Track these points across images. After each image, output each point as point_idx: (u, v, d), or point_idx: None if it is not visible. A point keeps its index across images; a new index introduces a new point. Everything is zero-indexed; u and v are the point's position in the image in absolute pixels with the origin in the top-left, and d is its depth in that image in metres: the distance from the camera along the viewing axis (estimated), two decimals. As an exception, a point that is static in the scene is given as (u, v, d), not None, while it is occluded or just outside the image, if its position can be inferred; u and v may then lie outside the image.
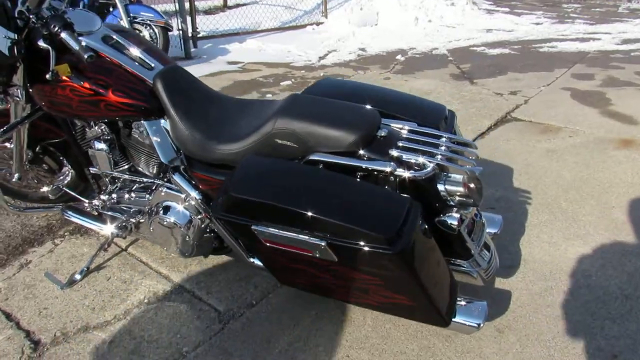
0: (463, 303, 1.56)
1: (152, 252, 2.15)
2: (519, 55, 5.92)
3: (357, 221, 1.30)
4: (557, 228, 2.37)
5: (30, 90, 1.74)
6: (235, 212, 1.42)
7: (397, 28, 7.40)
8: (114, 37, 1.77)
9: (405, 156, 1.47)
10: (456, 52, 6.07)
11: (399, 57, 5.79)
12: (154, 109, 1.73)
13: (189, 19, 5.83)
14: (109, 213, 1.98)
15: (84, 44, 1.59)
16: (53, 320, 1.80)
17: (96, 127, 1.85)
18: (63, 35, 1.56)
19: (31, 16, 1.59)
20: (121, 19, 4.84)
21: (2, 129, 1.86)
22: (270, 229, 1.38)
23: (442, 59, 5.72)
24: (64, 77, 1.65)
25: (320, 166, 1.52)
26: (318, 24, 7.50)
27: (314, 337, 1.74)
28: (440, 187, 1.48)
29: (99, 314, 1.84)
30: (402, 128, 1.61)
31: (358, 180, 1.44)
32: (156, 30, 4.99)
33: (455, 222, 1.45)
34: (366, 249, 1.29)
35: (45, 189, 2.23)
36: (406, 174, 1.44)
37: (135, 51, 1.78)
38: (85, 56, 1.54)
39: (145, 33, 5.01)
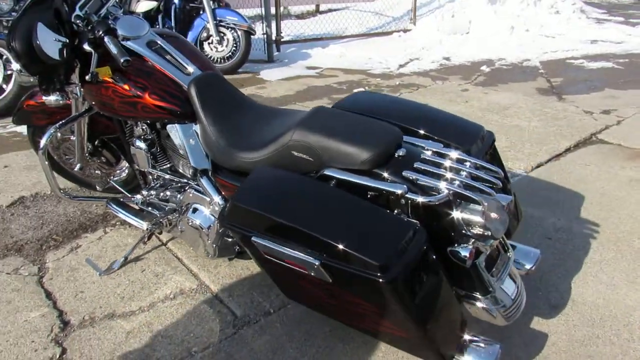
0: (474, 342, 1.43)
1: (187, 249, 2.23)
2: (622, 70, 5.38)
3: (351, 243, 1.24)
4: (622, 269, 2.10)
5: (82, 89, 1.88)
6: (237, 221, 1.42)
7: (489, 37, 7.05)
8: (159, 42, 1.85)
9: (421, 179, 1.38)
10: (550, 65, 5.65)
11: (484, 67, 5.51)
12: (188, 114, 1.79)
13: (273, 23, 5.99)
14: (148, 209, 2.07)
15: (123, 48, 1.68)
16: (85, 304, 1.92)
17: (138, 127, 1.95)
18: (105, 39, 1.66)
19: (78, 21, 1.70)
20: (208, 22, 5.12)
21: (62, 121, 2.02)
22: (267, 241, 1.36)
23: (532, 72, 5.35)
24: (107, 79, 1.76)
25: (333, 182, 1.47)
26: (405, 31, 7.36)
27: (322, 355, 1.69)
28: (457, 215, 1.37)
29: (127, 303, 1.93)
30: (425, 148, 1.52)
31: (364, 201, 1.37)
32: (239, 34, 5.18)
33: (467, 254, 1.33)
34: (358, 273, 1.23)
35: (99, 179, 2.39)
36: (419, 198, 1.35)
37: (177, 56, 1.85)
38: (122, 60, 1.62)
39: (229, 36, 5.22)
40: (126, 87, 1.76)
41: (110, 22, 1.77)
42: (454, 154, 1.48)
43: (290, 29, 6.72)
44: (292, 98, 4.46)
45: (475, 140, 1.61)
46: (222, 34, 5.24)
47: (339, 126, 1.51)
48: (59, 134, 2.26)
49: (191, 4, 5.44)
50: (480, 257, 1.42)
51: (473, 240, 1.37)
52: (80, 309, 1.90)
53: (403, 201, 1.38)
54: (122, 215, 2.08)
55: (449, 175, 1.39)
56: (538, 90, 4.63)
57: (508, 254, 1.54)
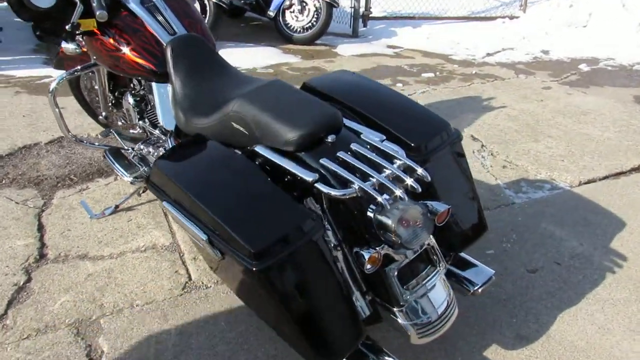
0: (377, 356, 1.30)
1: (176, 207, 2.29)
2: None
3: (235, 224, 1.18)
4: (627, 313, 1.79)
5: (83, 39, 1.98)
6: (154, 184, 1.42)
7: (608, 33, 6.22)
8: (153, 0, 1.88)
9: (337, 170, 1.27)
10: (668, 71, 4.87)
11: (582, 66, 4.90)
12: (165, 73, 1.80)
13: (363, -3, 5.83)
14: (139, 163, 2.15)
15: (109, 4, 1.72)
16: (66, 242, 2.07)
17: (131, 82, 2.02)
18: (89, -9, 1.72)
19: None
20: (291, -10, 5.12)
21: (73, 69, 2.14)
22: (172, 209, 1.34)
23: (641, 77, 4.66)
24: (97, 31, 1.83)
25: (259, 161, 1.41)
26: (512, 17, 6.76)
27: (249, 333, 1.66)
28: (369, 214, 1.25)
29: (101, 248, 2.05)
30: (363, 139, 1.38)
31: (272, 184, 1.29)
32: (321, 4, 5.11)
33: (366, 258, 1.21)
34: (235, 256, 1.17)
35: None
36: (326, 189, 1.24)
37: (167, 16, 1.86)
38: (97, 12, 1.68)
39: (311, 6, 5.18)
40: (111, 40, 1.82)
41: None
42: (388, 149, 1.33)
43: (384, 4, 6.49)
44: (353, 75, 4.34)
45: (429, 137, 1.44)
46: (304, 4, 5.21)
47: (279, 103, 1.43)
48: (80, 82, 2.41)
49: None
50: (392, 265, 1.28)
51: (383, 245, 1.24)
52: (60, 245, 2.05)
53: (315, 190, 1.28)
54: (112, 165, 2.18)
55: (366, 170, 1.26)
56: (635, 99, 4.02)
57: (438, 267, 1.37)
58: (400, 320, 1.31)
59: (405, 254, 1.28)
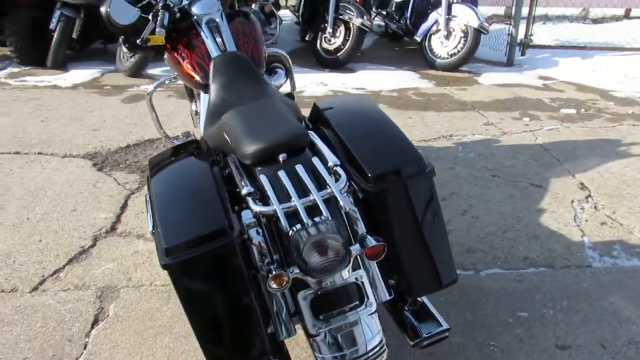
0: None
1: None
2: None
3: (162, 219, 1.29)
4: None
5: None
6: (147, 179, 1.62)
7: None
8: (217, 20, 2.11)
9: (268, 188, 1.30)
10: None
11: None
12: (208, 85, 2.02)
13: (523, 24, 5.42)
14: None
15: (165, 23, 2.01)
16: (135, 222, 2.44)
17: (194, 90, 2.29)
18: (160, 12, 2.02)
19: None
20: (440, 16, 5.05)
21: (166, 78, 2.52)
22: (146, 199, 1.52)
23: None
24: (166, 45, 2.13)
25: (228, 169, 1.50)
26: None
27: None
28: (291, 234, 1.25)
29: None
30: (313, 161, 1.37)
31: (212, 189, 1.37)
32: (469, 31, 4.91)
33: (269, 276, 1.21)
34: (158, 249, 1.29)
35: None
36: (250, 203, 1.28)
37: (224, 35, 2.08)
38: (157, 30, 1.97)
39: (458, 32, 5.02)
40: (176, 54, 2.11)
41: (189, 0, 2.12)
42: (326, 175, 1.30)
43: (558, 33, 5.93)
44: (477, 105, 4.09)
45: (389, 168, 1.35)
46: (451, 29, 5.08)
47: (255, 119, 1.51)
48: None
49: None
50: (306, 291, 1.25)
51: (293, 269, 1.23)
52: (129, 223, 2.43)
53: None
54: None
55: (291, 192, 1.26)
56: None
57: (365, 305, 1.29)
58: (313, 349, 1.28)
59: (319, 282, 1.25)
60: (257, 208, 1.27)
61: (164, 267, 1.22)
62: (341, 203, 1.24)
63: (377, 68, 5.25)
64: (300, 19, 5.89)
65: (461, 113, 3.88)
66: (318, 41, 5.29)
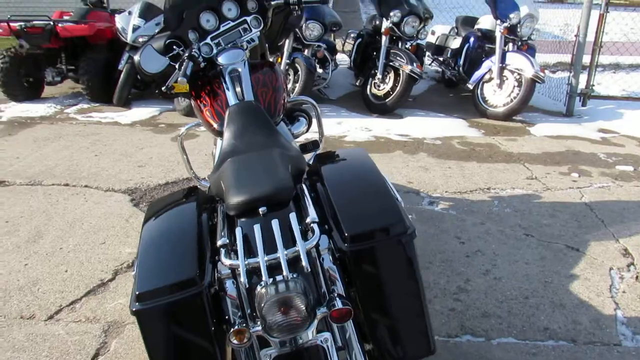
0: None
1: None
2: None
3: (141, 264, 1.34)
4: None
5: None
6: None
7: None
8: (239, 70, 2.20)
9: (239, 242, 1.30)
10: None
11: None
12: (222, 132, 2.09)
13: (585, 73, 5.19)
14: None
15: (187, 72, 2.11)
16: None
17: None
18: (185, 62, 2.14)
19: (179, 49, 2.23)
20: (494, 64, 4.96)
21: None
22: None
23: None
24: (183, 91, 2.24)
25: (219, 217, 1.53)
26: None
27: None
28: (257, 289, 1.24)
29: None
30: (299, 217, 1.37)
31: (192, 236, 1.39)
32: (523, 80, 4.77)
33: (230, 331, 1.20)
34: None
35: None
36: (222, 256, 1.29)
37: (245, 84, 2.16)
38: (179, 79, 2.08)
39: (511, 81, 4.89)
40: (197, 101, 2.21)
41: (216, 50, 2.23)
42: (297, 232, 1.29)
43: (628, 83, 5.61)
44: (524, 157, 3.91)
45: (364, 228, 1.32)
46: (504, 78, 4.96)
47: (247, 170, 1.54)
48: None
49: (488, 45, 5.36)
50: (268, 349, 1.23)
51: (254, 325, 1.22)
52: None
53: (225, 252, 1.34)
54: None
55: (259, 247, 1.26)
56: None
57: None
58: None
59: (282, 342, 1.22)
60: (226, 261, 1.28)
61: (133, 313, 1.25)
62: (303, 263, 1.22)
63: (427, 115, 5.20)
64: (352, 63, 5.99)
65: (504, 165, 3.73)
66: (368, 86, 5.34)
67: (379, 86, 5.28)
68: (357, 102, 5.48)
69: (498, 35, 4.96)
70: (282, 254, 1.23)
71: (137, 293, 1.25)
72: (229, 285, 1.32)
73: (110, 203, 3.08)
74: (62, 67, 5.46)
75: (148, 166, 3.67)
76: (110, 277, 2.37)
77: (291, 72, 5.20)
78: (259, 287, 1.24)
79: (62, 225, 2.81)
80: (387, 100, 5.14)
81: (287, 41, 5.18)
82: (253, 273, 1.27)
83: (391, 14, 5.15)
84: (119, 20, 5.20)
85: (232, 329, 1.21)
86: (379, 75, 5.21)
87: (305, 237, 1.31)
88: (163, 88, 2.17)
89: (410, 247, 1.35)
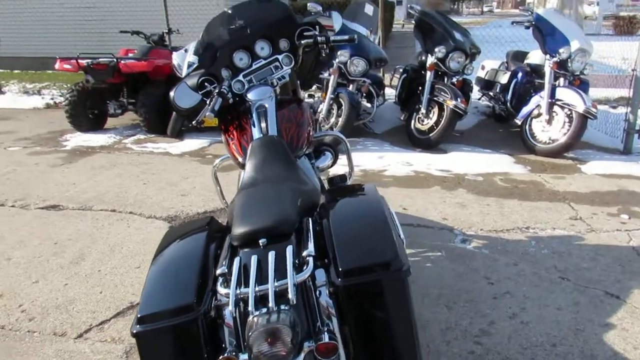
0: None
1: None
2: None
3: (146, 286, 1.41)
4: None
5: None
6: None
7: None
8: (266, 106, 2.29)
9: (234, 272, 1.35)
10: None
11: None
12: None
13: (643, 110, 4.93)
14: None
15: (215, 108, 2.22)
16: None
17: None
18: (214, 97, 2.25)
19: (212, 86, 2.35)
20: (543, 99, 4.83)
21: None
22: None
23: None
24: (212, 125, 2.35)
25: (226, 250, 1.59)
26: None
27: None
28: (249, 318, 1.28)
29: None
30: (297, 250, 1.40)
31: (194, 264, 1.45)
32: (574, 116, 4.60)
33: (219, 358, 1.24)
34: (136, 316, 1.39)
35: None
36: (218, 285, 1.34)
37: (270, 120, 2.24)
38: (207, 113, 2.19)
39: (561, 117, 4.73)
40: (225, 135, 2.31)
41: (247, 87, 2.34)
42: (290, 265, 1.32)
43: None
44: (570, 196, 3.74)
45: (355, 264, 1.32)
46: (554, 113, 4.81)
47: (254, 202, 1.60)
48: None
49: (537, 80, 5.23)
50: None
51: (241, 353, 1.25)
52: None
53: (221, 283, 1.39)
54: None
55: (251, 278, 1.29)
56: None
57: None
58: None
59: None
60: (221, 289, 1.32)
61: (133, 334, 1.31)
62: (289, 295, 1.24)
63: (472, 150, 5.10)
64: (397, 98, 6.02)
65: (547, 204, 3.59)
66: (412, 121, 5.34)
67: (422, 121, 5.26)
68: (401, 137, 5.48)
69: (547, 70, 4.84)
70: (271, 286, 1.26)
71: (138, 316, 1.31)
72: (227, 313, 1.36)
73: (150, 229, 3.23)
74: (124, 101, 5.86)
75: (190, 195, 3.83)
76: (139, 300, 2.46)
77: (335, 106, 5.30)
78: (250, 317, 1.27)
79: (103, 249, 2.97)
80: (430, 135, 5.10)
81: (332, 77, 5.31)
82: (247, 303, 1.30)
83: (436, 49, 5.17)
84: (176, 57, 5.49)
85: (221, 356, 1.25)
86: (422, 110, 5.20)
87: (301, 270, 1.33)
88: (193, 122, 2.30)
89: (403, 285, 1.34)
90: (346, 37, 2.38)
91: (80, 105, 5.77)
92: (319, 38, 2.35)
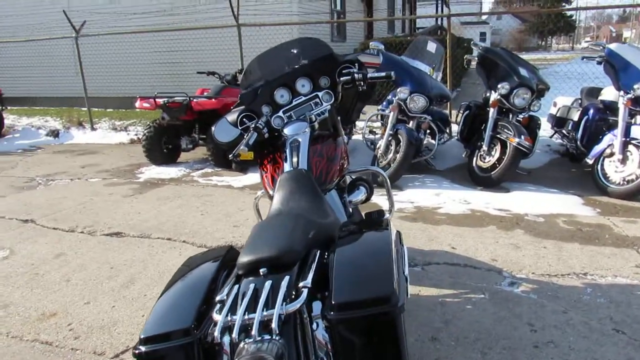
0: None
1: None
2: None
3: (154, 311, 1.48)
4: None
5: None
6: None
7: None
8: (299, 140, 2.35)
9: (229, 299, 1.38)
10: None
11: None
12: None
13: None
14: None
15: (250, 143, 2.31)
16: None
17: None
18: (250, 132, 2.35)
19: (251, 122, 2.45)
20: (616, 137, 4.54)
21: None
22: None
23: None
24: (248, 158, 2.44)
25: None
26: None
27: None
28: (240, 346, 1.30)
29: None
30: (293, 281, 1.41)
31: (199, 291, 1.50)
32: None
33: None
34: (140, 339, 1.47)
35: None
36: (214, 311, 1.38)
37: (301, 155, 2.30)
38: (241, 147, 2.29)
39: (636, 156, 4.39)
40: (260, 168, 2.40)
41: (284, 122, 2.43)
42: (284, 297, 1.33)
43: None
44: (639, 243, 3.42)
45: (352, 300, 1.30)
46: (628, 152, 4.48)
47: (266, 232, 1.64)
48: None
49: (611, 118, 4.91)
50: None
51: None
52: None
53: (220, 310, 1.43)
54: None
55: (242, 307, 1.32)
56: None
57: None
58: None
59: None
60: (215, 316, 1.36)
61: (134, 355, 1.39)
62: (272, 325, 1.25)
63: (538, 189, 4.85)
64: (459, 135, 5.89)
65: (612, 249, 3.30)
66: (474, 158, 5.20)
67: (484, 158, 5.10)
68: (463, 174, 5.33)
69: (621, 107, 4.54)
70: (258, 315, 1.29)
71: (141, 337, 1.38)
72: (224, 339, 1.39)
73: (199, 258, 3.37)
74: (195, 136, 6.24)
75: (242, 227, 3.96)
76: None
77: (394, 142, 5.29)
78: (240, 344, 1.30)
79: (153, 275, 3.14)
80: (492, 173, 4.92)
81: (392, 113, 5.33)
82: (242, 330, 1.33)
83: (499, 86, 5.04)
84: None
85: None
86: (484, 147, 5.05)
87: (293, 301, 1.35)
88: (230, 156, 2.42)
89: (395, 322, 1.31)
90: (383, 74, 2.41)
91: (156, 140, 6.22)
92: (356, 75, 2.39)
